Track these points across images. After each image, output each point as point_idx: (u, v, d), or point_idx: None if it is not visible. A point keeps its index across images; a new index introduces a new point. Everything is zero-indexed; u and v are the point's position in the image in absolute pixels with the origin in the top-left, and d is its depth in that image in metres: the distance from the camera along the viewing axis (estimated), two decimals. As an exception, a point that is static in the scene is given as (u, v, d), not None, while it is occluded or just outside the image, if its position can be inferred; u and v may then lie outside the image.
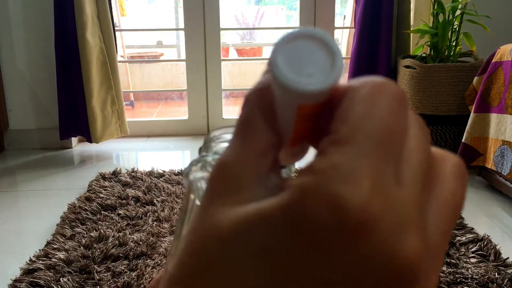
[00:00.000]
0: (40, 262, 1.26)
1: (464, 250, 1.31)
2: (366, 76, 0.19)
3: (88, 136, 2.27)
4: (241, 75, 4.39)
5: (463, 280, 1.16)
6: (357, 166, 0.16)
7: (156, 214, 1.54)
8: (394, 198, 0.16)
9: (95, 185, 1.78)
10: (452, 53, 2.10)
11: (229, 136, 0.27)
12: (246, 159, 0.18)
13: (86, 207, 1.59)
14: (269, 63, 0.18)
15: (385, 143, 0.16)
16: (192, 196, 0.27)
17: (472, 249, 1.30)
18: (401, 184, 0.16)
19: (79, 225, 1.48)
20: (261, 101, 0.19)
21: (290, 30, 0.19)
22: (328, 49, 0.18)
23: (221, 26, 2.52)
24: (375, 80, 0.18)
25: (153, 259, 1.28)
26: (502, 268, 1.22)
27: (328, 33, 0.19)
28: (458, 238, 1.36)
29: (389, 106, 0.17)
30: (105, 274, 1.21)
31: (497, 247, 1.30)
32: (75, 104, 2.22)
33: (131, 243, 1.35)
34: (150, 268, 1.24)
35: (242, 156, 0.18)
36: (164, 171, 1.94)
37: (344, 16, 3.45)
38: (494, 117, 1.71)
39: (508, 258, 1.26)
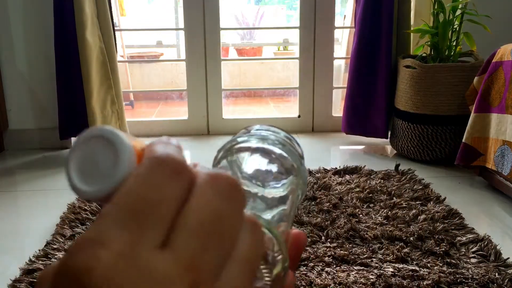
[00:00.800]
0: (40, 262, 1.25)
1: (464, 250, 1.30)
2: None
3: (88, 136, 2.26)
4: (241, 75, 4.38)
5: (464, 280, 1.15)
6: (105, 234, 0.17)
7: (156, 214, 1.54)
8: (148, 260, 0.17)
9: (95, 185, 1.78)
10: (452, 53, 2.09)
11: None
12: None
13: (85, 207, 1.59)
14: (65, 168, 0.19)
15: (141, 213, 0.18)
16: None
17: (473, 249, 1.30)
18: (166, 248, 0.17)
19: (79, 225, 1.48)
20: None
21: (88, 129, 0.19)
22: (114, 148, 0.19)
23: (221, 26, 2.51)
24: (155, 157, 0.19)
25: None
26: (503, 268, 1.21)
27: (115, 131, 0.19)
28: (459, 238, 1.36)
29: (148, 180, 0.18)
30: (105, 275, 1.21)
31: (498, 247, 1.30)
32: (74, 104, 2.22)
33: (131, 243, 1.34)
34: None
35: None
36: (164, 171, 1.93)
37: (344, 16, 3.45)
38: (494, 117, 1.70)
39: (508, 258, 1.26)
